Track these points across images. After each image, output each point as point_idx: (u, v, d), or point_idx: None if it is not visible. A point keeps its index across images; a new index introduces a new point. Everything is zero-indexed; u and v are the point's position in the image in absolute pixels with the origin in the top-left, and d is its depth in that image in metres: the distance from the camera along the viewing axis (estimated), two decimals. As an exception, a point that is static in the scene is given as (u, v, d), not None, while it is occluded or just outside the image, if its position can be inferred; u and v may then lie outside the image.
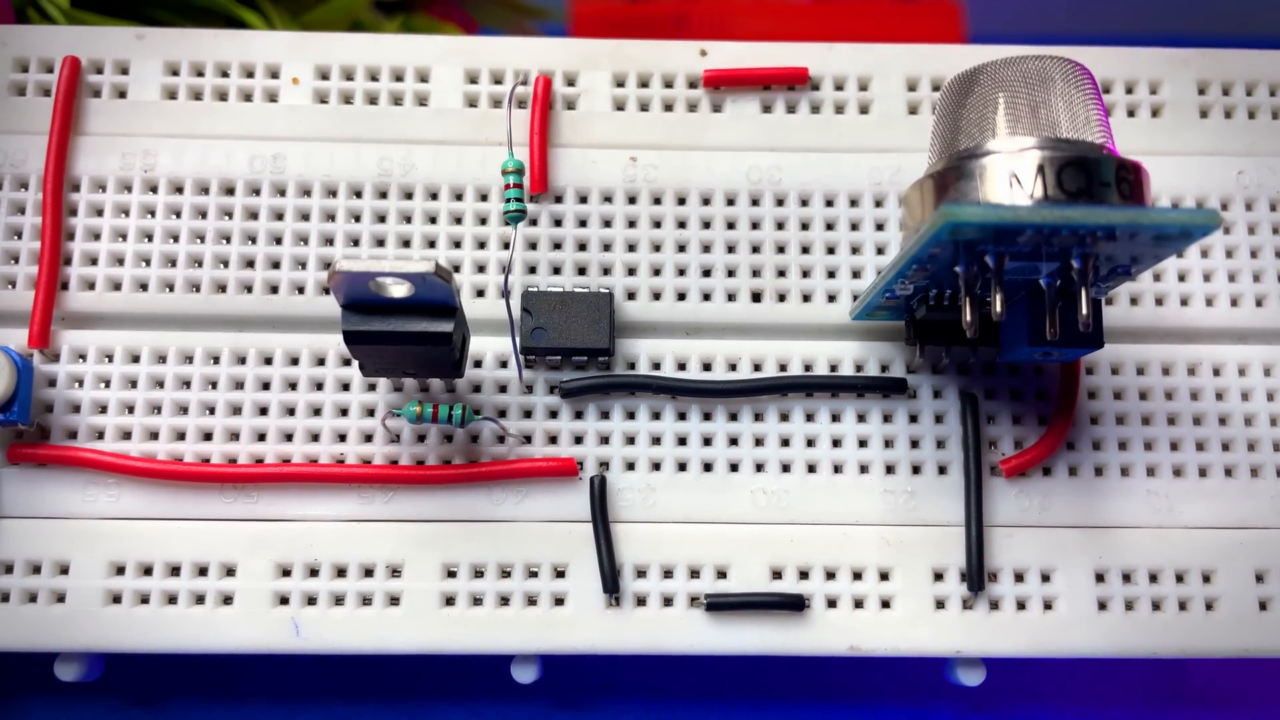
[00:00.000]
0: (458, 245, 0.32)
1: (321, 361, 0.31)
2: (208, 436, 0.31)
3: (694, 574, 0.30)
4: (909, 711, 0.35)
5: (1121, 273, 0.27)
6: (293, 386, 0.31)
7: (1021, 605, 0.30)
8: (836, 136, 0.33)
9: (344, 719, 0.34)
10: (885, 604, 0.30)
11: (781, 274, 0.32)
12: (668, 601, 0.30)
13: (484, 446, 0.31)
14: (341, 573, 0.30)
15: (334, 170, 0.32)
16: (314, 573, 0.30)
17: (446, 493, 0.31)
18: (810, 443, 0.31)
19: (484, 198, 0.32)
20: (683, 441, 0.31)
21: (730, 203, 0.33)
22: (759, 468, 0.31)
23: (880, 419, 0.31)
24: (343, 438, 0.31)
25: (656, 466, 0.31)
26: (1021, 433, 0.31)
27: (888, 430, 0.31)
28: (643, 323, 0.32)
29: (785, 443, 0.31)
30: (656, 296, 0.32)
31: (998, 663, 0.31)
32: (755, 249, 0.32)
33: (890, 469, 0.31)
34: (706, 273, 0.32)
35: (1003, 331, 0.30)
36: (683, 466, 0.31)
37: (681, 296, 0.32)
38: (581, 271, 0.32)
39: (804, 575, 0.30)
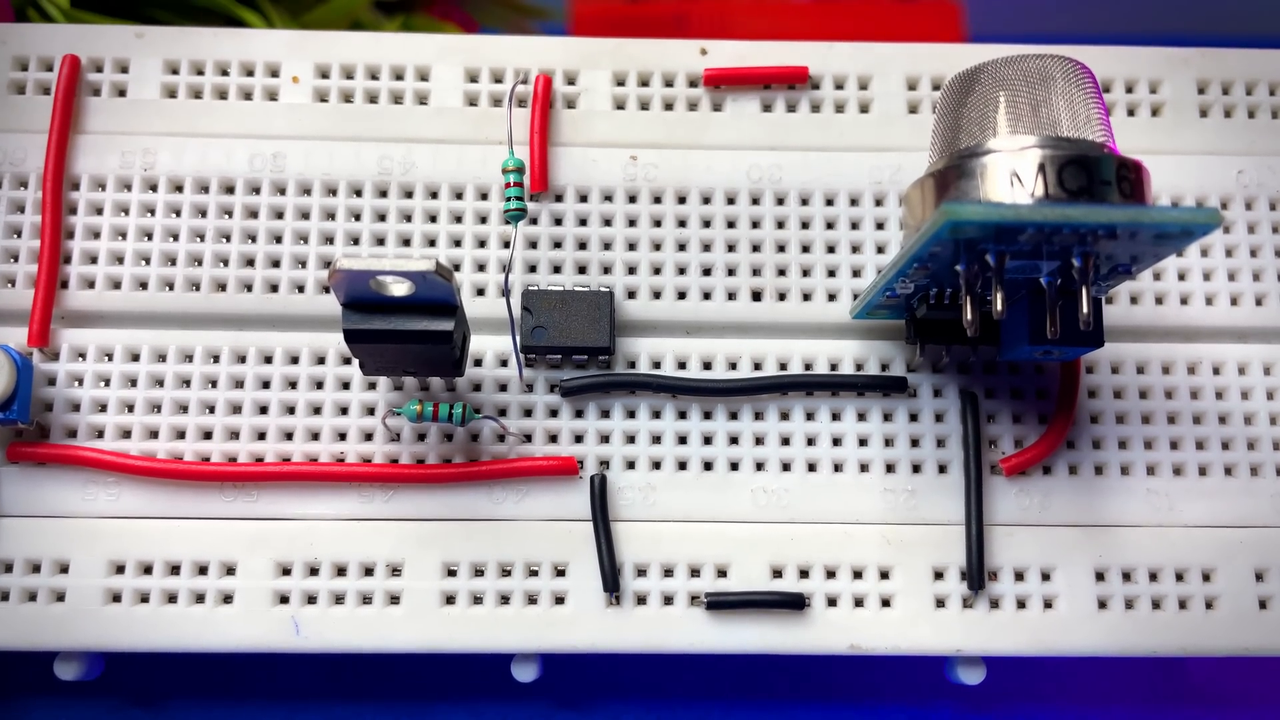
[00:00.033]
0: (458, 244, 0.32)
1: (321, 360, 0.31)
2: (207, 435, 0.31)
3: (694, 573, 0.30)
4: (909, 711, 0.35)
5: (1122, 271, 0.27)
6: (293, 385, 0.31)
7: (1022, 604, 0.30)
8: (837, 135, 0.33)
9: (344, 718, 0.34)
10: (885, 603, 0.30)
11: (782, 273, 0.32)
12: (668, 600, 0.30)
13: (484, 445, 0.31)
14: (342, 572, 0.30)
15: (334, 169, 0.32)
16: (314, 572, 0.30)
17: (447, 491, 0.31)
18: (810, 441, 0.31)
19: (484, 196, 0.32)
20: (683, 440, 0.31)
21: (730, 202, 0.33)
22: (759, 466, 0.31)
23: (880, 418, 0.31)
24: (343, 436, 0.31)
25: (657, 465, 0.31)
26: (1022, 431, 0.31)
27: (888, 429, 0.31)
28: (643, 322, 0.32)
29: (785, 441, 0.31)
30: (657, 295, 0.32)
31: (998, 661, 0.31)
32: (755, 248, 0.32)
33: (890, 468, 0.31)
34: (707, 271, 0.32)
35: (1003, 330, 0.30)
36: (683, 465, 0.31)
37: (682, 295, 0.32)
38: (582, 270, 0.32)
39: (804, 574, 0.30)
